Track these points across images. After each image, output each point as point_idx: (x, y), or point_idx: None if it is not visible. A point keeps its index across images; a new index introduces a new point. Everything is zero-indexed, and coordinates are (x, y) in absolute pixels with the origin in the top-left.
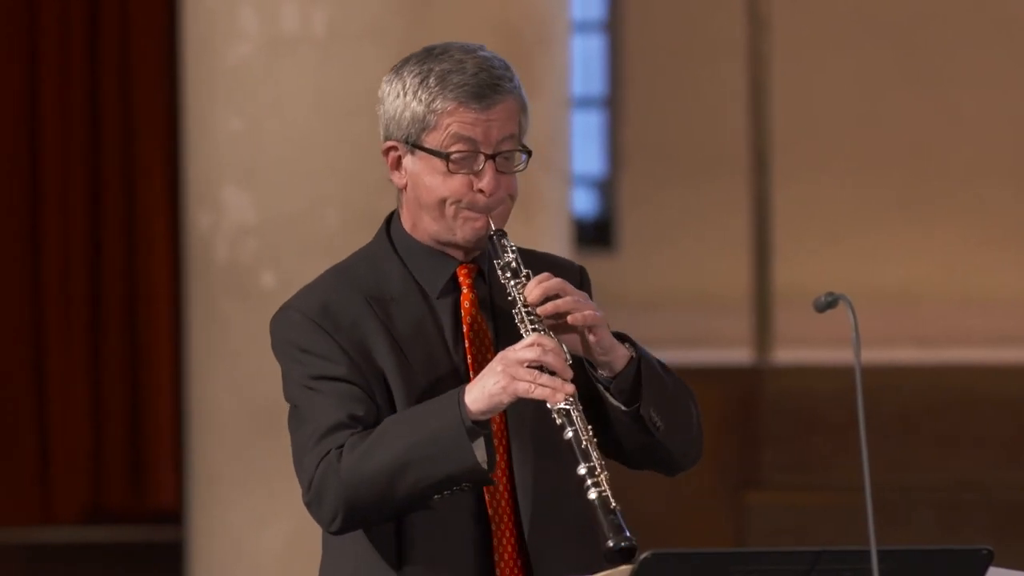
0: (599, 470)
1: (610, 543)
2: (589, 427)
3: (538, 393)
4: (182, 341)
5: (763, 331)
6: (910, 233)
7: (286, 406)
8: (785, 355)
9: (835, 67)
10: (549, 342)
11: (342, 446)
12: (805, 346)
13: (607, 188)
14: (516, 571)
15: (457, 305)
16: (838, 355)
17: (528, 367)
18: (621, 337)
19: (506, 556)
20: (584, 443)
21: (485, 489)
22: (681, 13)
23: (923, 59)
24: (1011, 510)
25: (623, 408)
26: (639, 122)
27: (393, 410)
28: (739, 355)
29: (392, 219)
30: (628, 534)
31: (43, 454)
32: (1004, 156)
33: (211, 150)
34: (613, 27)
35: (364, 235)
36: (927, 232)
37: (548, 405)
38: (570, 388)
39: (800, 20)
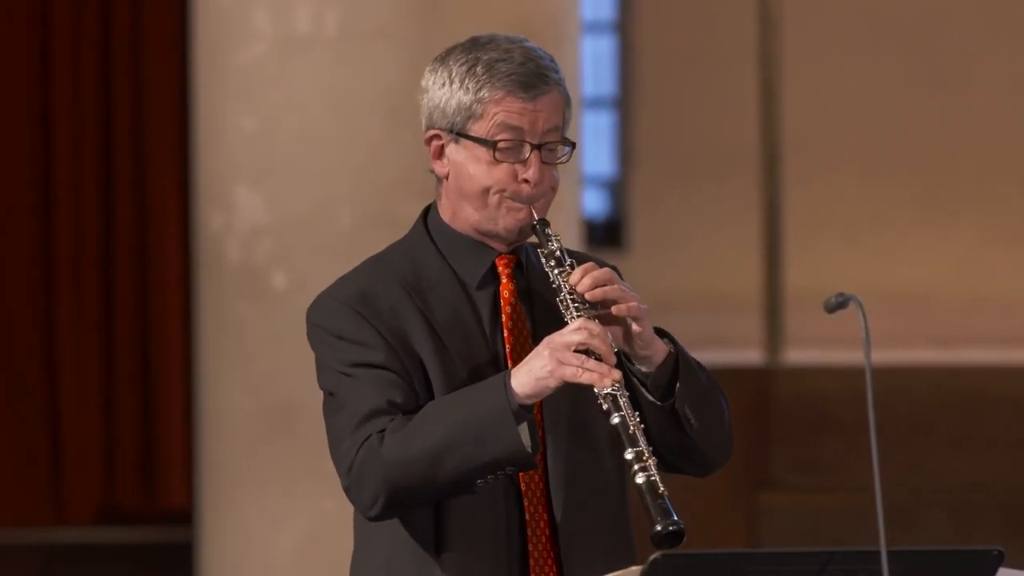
0: (647, 455)
1: (658, 527)
2: (636, 413)
3: (586, 378)
4: (194, 341)
5: (774, 332)
6: (923, 234)
7: (298, 406)
8: (796, 356)
9: (846, 68)
10: (595, 327)
11: (383, 431)
12: (817, 347)
13: (618, 189)
14: (548, 561)
15: (496, 295)
16: (850, 356)
17: (575, 351)
18: (660, 332)
19: (540, 547)
20: (632, 428)
21: (521, 478)
22: (692, 14)
23: (935, 59)
24: (1022, 511)
25: (659, 403)
26: (650, 123)
27: (431, 397)
28: (750, 356)
29: (429, 211)
30: (676, 518)
31: (56, 455)
32: (1018, 156)
33: (223, 150)
34: (624, 28)
35: (377, 235)
36: (940, 233)
37: (595, 390)
38: (617, 373)
39: (811, 21)
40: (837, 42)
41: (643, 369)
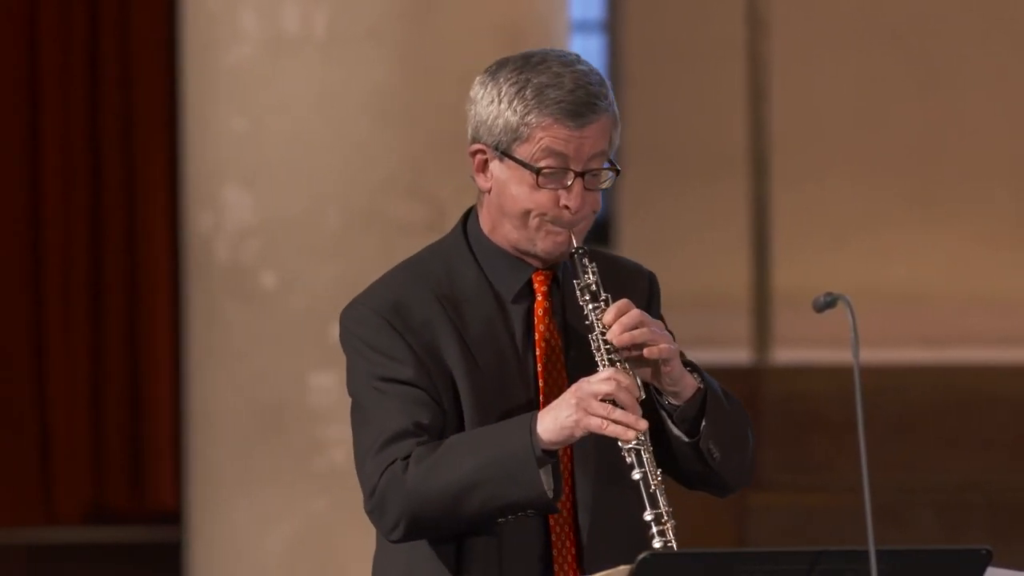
0: (665, 518)
1: None
2: (659, 471)
3: (610, 431)
4: (182, 342)
5: (763, 332)
6: (913, 234)
7: (287, 406)
8: (785, 356)
9: (836, 69)
10: (625, 378)
11: (407, 456)
12: (806, 347)
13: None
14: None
15: (530, 312)
16: (839, 356)
17: (602, 401)
18: (688, 364)
19: (565, 562)
20: (652, 488)
21: None
22: (681, 15)
23: (924, 60)
24: (1014, 511)
25: (684, 439)
26: (638, 123)
27: (459, 412)
28: (739, 355)
29: (469, 217)
30: None
31: (44, 454)
32: (1008, 157)
33: (212, 150)
34: (613, 28)
35: (366, 235)
36: (930, 233)
37: (619, 443)
38: (643, 425)
39: (800, 21)
40: (826, 43)
41: (671, 402)
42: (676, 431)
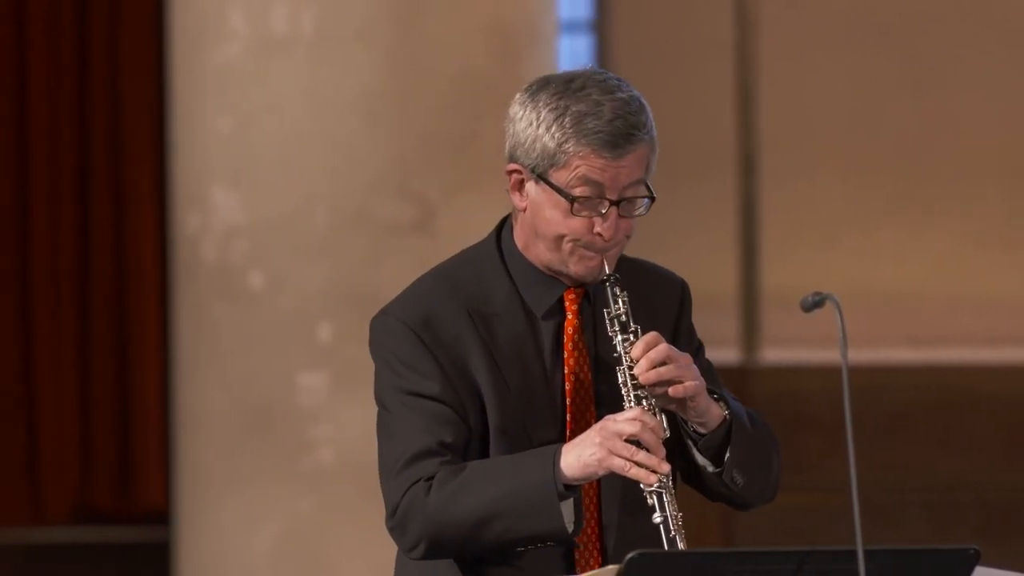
0: None
1: None
2: (679, 514)
3: (633, 473)
4: (170, 341)
5: (751, 331)
6: (901, 234)
7: (275, 406)
8: (774, 355)
9: (824, 68)
10: (650, 419)
11: (431, 477)
12: (794, 346)
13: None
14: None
15: (560, 329)
16: (828, 355)
17: (626, 441)
18: (714, 392)
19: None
20: (672, 533)
21: None
22: (669, 13)
23: (913, 60)
24: (1002, 511)
25: (709, 468)
26: None
27: (485, 426)
28: (728, 355)
29: (503, 229)
30: None
31: (32, 454)
32: (995, 157)
33: (199, 150)
34: (601, 27)
35: (354, 235)
36: (918, 233)
37: (641, 486)
38: (665, 468)
39: (788, 21)
40: (814, 42)
41: (698, 431)
42: (701, 460)
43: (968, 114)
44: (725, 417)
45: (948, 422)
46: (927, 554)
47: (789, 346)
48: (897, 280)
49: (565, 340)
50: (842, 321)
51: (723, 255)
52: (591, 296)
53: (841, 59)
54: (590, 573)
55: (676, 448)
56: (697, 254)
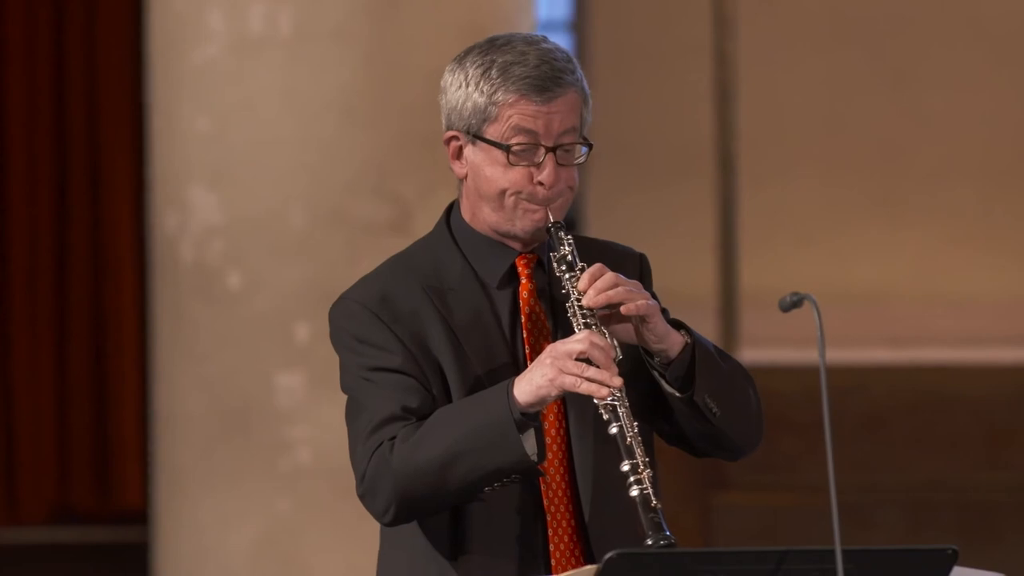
0: (642, 467)
1: (649, 540)
2: (635, 424)
3: (584, 388)
4: (148, 342)
5: (729, 331)
6: (879, 234)
7: (252, 406)
8: (751, 355)
9: (801, 68)
10: (599, 338)
11: (394, 438)
12: (772, 346)
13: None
14: (572, 558)
15: (516, 296)
16: (805, 355)
17: (576, 360)
18: (676, 324)
19: (562, 545)
20: (628, 439)
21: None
22: (647, 14)
23: (890, 60)
24: (980, 511)
25: (678, 395)
26: (605, 123)
27: (449, 400)
28: None
29: (452, 209)
30: (668, 532)
31: (9, 455)
32: (972, 157)
33: (177, 150)
34: (579, 27)
35: (331, 235)
36: (896, 233)
37: (595, 400)
38: (617, 382)
39: (766, 21)
40: (792, 43)
41: (660, 362)
42: (669, 389)
43: (944, 114)
44: (686, 342)
45: (925, 422)
46: (905, 554)
47: (767, 346)
48: (874, 280)
49: (522, 305)
50: (820, 322)
51: (701, 255)
52: (544, 265)
53: (819, 60)
54: (569, 573)
55: (657, 409)
56: (675, 254)
